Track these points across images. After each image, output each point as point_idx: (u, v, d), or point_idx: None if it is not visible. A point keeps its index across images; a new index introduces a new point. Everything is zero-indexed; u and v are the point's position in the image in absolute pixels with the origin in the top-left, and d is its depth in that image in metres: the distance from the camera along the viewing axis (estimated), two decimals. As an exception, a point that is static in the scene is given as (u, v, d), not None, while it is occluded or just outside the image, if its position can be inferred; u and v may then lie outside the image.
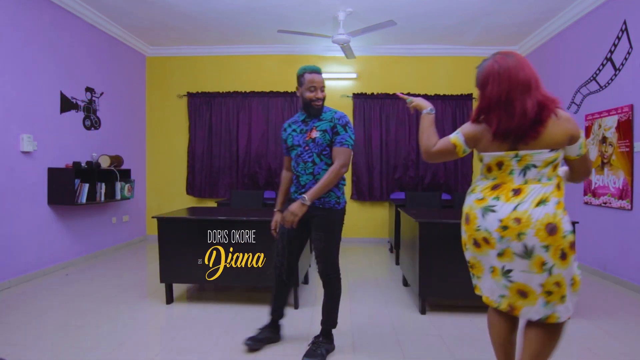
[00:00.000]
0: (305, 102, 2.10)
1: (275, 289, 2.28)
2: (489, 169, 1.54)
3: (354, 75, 5.62)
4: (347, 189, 5.65)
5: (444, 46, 5.48)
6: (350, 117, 5.62)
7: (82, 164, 4.17)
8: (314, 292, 3.34)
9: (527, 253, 1.40)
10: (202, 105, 5.63)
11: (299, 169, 2.14)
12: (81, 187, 3.99)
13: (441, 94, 5.54)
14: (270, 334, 2.31)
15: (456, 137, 1.57)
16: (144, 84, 5.74)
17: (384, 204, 5.69)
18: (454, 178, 5.54)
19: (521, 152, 1.43)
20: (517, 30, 4.91)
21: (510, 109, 1.40)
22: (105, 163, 4.47)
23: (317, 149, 2.10)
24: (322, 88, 2.11)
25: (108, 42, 4.84)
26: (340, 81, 5.67)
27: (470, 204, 1.56)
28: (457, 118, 5.52)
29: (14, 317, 2.71)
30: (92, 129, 4.56)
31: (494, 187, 1.50)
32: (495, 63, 1.44)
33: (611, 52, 3.76)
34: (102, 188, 4.31)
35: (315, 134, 2.10)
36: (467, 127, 1.56)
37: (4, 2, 3.37)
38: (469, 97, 5.52)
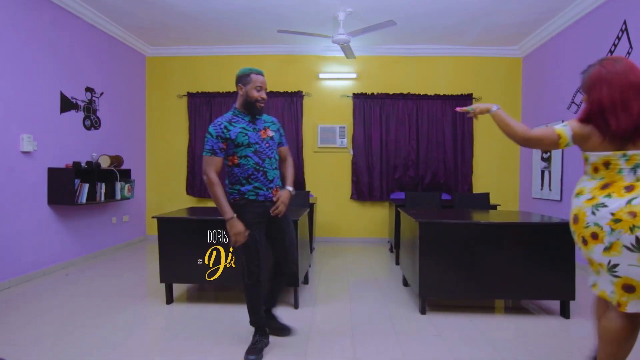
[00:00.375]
0: (250, 101, 2.14)
1: (257, 295, 2.21)
2: (595, 169, 1.58)
3: (354, 75, 5.61)
4: (348, 189, 5.67)
5: (444, 46, 5.48)
6: (350, 117, 5.64)
7: (82, 164, 4.17)
8: (314, 292, 3.34)
9: (638, 247, 1.42)
10: (202, 105, 5.63)
11: (265, 164, 2.17)
12: (81, 187, 4.00)
13: (441, 94, 5.54)
14: (265, 339, 2.26)
15: (563, 129, 1.62)
16: (144, 84, 5.74)
17: (384, 204, 5.69)
18: (454, 178, 5.54)
19: (629, 152, 1.49)
20: (517, 30, 4.91)
21: (628, 110, 1.47)
22: (105, 163, 4.47)
23: (274, 146, 2.25)
24: (266, 89, 2.20)
25: (108, 42, 4.84)
26: (340, 81, 5.67)
27: (579, 205, 1.59)
28: (457, 118, 5.52)
29: (14, 317, 2.71)
30: (92, 129, 4.56)
31: (604, 187, 1.54)
32: (602, 68, 1.53)
33: (611, 52, 3.76)
34: (102, 188, 4.31)
35: (270, 133, 2.23)
36: (577, 125, 1.61)
37: (4, 2, 3.37)
38: (469, 97, 5.52)
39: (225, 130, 2.10)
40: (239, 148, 2.12)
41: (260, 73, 2.16)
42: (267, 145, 2.18)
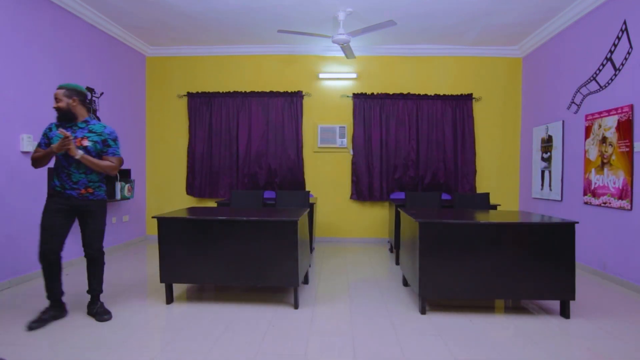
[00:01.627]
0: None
1: (50, 272, 2.57)
2: None
3: (354, 75, 5.61)
4: (348, 189, 5.67)
5: (444, 46, 5.48)
6: (350, 117, 5.64)
7: (82, 164, 4.16)
8: (314, 292, 3.34)
9: None
10: (202, 105, 5.63)
11: (71, 168, 2.54)
12: (81, 187, 3.99)
13: (441, 94, 5.54)
14: (55, 312, 2.63)
15: None
16: (144, 84, 5.74)
17: (384, 204, 5.69)
18: (454, 178, 5.54)
19: None
20: (517, 30, 4.92)
21: None
22: (105, 163, 4.46)
23: (88, 155, 2.55)
24: (60, 100, 2.53)
25: (108, 42, 4.84)
26: (340, 81, 5.67)
27: None
28: (457, 118, 5.52)
29: (14, 317, 2.71)
30: (92, 129, 4.55)
31: None
32: None
33: (611, 52, 3.76)
34: (102, 188, 4.31)
35: (86, 142, 2.56)
36: None
37: (4, 2, 3.37)
38: (469, 97, 5.52)
39: (48, 131, 2.60)
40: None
41: (57, 88, 2.56)
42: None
